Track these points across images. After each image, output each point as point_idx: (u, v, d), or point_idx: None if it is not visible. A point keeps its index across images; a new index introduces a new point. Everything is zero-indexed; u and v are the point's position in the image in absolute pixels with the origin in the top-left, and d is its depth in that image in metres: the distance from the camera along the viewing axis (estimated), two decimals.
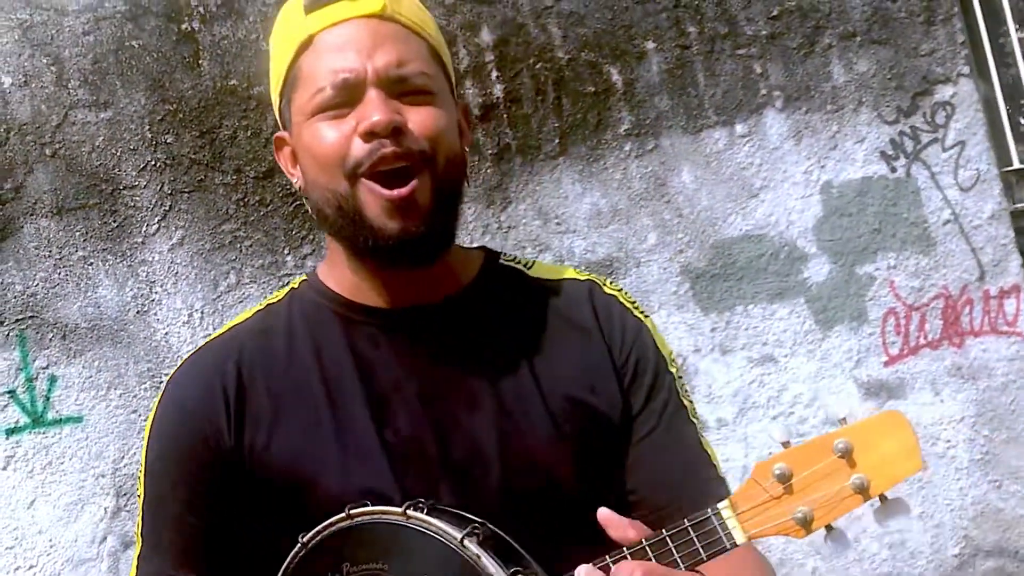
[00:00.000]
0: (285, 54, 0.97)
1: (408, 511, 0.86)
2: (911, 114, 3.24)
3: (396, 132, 0.89)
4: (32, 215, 2.48)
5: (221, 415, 0.97)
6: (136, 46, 2.58)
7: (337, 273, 1.02)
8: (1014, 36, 3.64)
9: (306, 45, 0.94)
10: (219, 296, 2.63)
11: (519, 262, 1.07)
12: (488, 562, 0.81)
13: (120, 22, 2.59)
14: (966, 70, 3.28)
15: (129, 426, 2.52)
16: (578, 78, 2.98)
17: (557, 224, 2.86)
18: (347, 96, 0.91)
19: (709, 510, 0.82)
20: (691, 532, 0.80)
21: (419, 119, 0.91)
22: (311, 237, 2.70)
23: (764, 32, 3.17)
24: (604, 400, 1.00)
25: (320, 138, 0.92)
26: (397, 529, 0.86)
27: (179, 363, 1.05)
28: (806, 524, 0.80)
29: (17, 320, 2.47)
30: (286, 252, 2.66)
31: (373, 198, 0.91)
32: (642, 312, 1.06)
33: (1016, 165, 3.59)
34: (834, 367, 2.87)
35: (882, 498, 0.80)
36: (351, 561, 0.87)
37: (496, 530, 0.87)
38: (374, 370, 0.98)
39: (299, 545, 0.90)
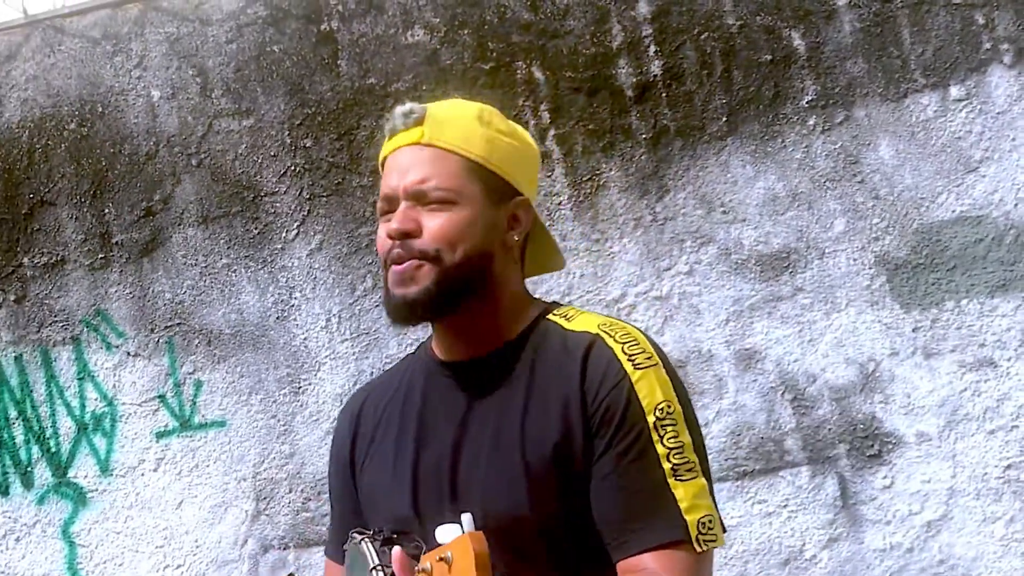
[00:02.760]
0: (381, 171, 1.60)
1: (354, 535, 1.42)
2: None
3: (404, 236, 1.49)
4: (180, 224, 3.14)
5: (347, 437, 1.66)
6: (277, 51, 3.12)
7: (433, 335, 1.61)
8: None
9: (383, 165, 1.58)
10: (356, 300, 3.08)
11: (565, 316, 1.57)
12: None
13: (261, 27, 3.13)
14: None
15: (268, 431, 3.06)
16: (751, 46, 3.13)
17: (723, 212, 3.08)
18: (390, 206, 1.52)
19: None
20: None
21: (431, 225, 1.49)
22: None
23: None
24: (572, 446, 1.46)
25: (378, 236, 1.55)
26: (355, 553, 1.42)
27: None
28: None
29: (167, 327, 3.14)
30: None
31: (388, 276, 1.51)
32: (639, 364, 1.49)
33: None
34: None
35: None
36: None
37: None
38: (428, 412, 1.57)
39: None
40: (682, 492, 1.45)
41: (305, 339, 3.09)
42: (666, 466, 1.46)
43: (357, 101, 3.15)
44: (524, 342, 1.58)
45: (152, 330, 3.14)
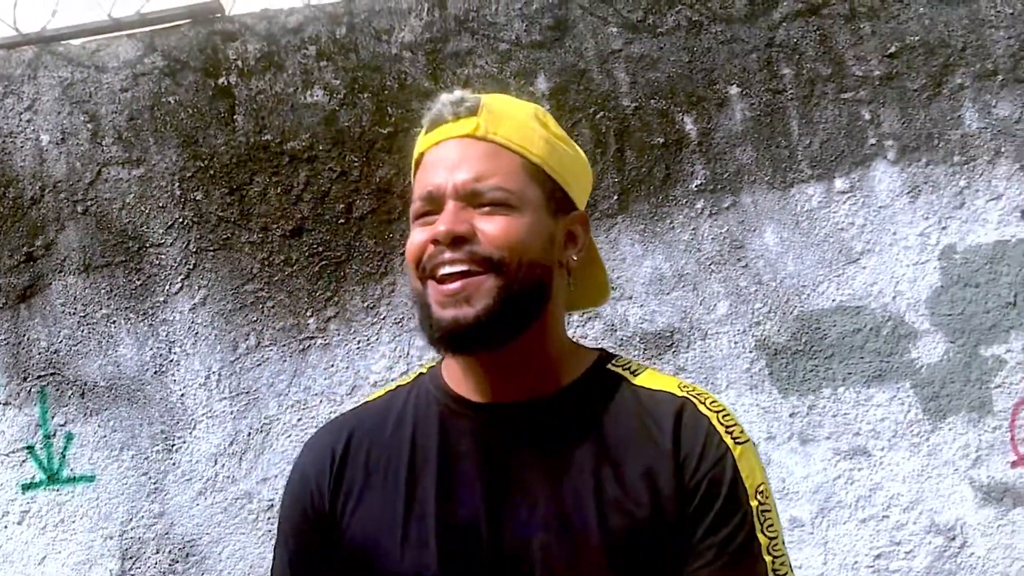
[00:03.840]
0: (413, 170, 1.40)
1: None
2: None
3: (457, 241, 1.27)
4: (61, 272, 3.05)
5: (325, 480, 1.38)
6: (172, 102, 3.08)
7: (450, 366, 1.39)
8: None
9: (419, 162, 1.37)
10: (238, 358, 3.02)
11: (628, 367, 1.40)
12: None
13: (158, 78, 3.09)
14: None
15: (139, 488, 2.96)
16: (645, 128, 3.18)
17: (612, 289, 3.36)
18: (433, 206, 1.31)
19: None
20: None
21: (490, 229, 1.28)
22: (336, 299, 3.17)
23: (877, 72, 3.48)
24: (664, 522, 1.28)
25: (411, 241, 1.32)
26: None
27: (316, 430, 1.50)
28: None
29: (40, 376, 3.04)
30: (308, 314, 3.05)
31: (435, 293, 1.29)
32: (736, 437, 1.33)
33: None
34: (944, 465, 2.97)
35: None
36: None
37: None
38: (453, 459, 1.33)
39: None
40: None
41: (182, 395, 2.99)
42: (767, 559, 1.32)
43: (251, 157, 3.09)
44: (583, 391, 1.38)
45: (25, 379, 3.02)
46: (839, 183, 3.23)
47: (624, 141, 3.20)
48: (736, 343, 3.11)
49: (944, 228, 3.20)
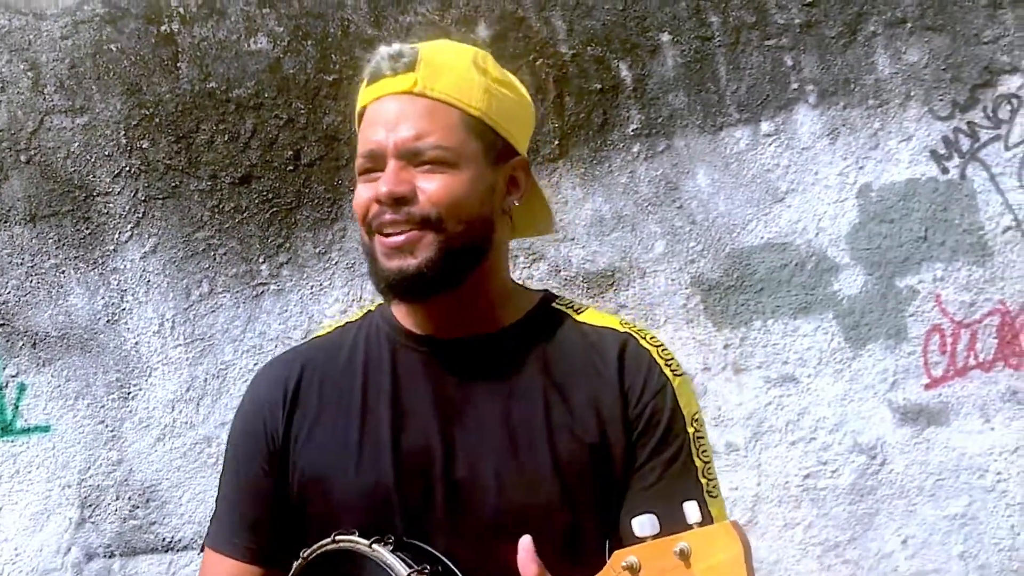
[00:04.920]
0: (357, 121, 1.43)
1: (374, 545, 1.26)
2: (968, 109, 3.65)
3: (399, 201, 1.31)
4: (6, 223, 3.02)
5: (279, 408, 1.42)
6: (114, 50, 3.06)
7: (401, 304, 1.43)
8: None
9: (362, 115, 1.40)
10: (191, 305, 3.04)
11: (571, 306, 1.46)
12: None
13: (99, 25, 3.06)
14: None
15: (96, 437, 2.98)
16: (583, 74, 3.26)
17: (554, 231, 3.46)
18: (375, 164, 1.34)
19: None
20: None
21: (430, 188, 1.31)
22: (287, 245, 3.22)
23: (798, 20, 3.61)
24: (610, 446, 1.35)
25: (357, 196, 1.37)
26: (363, 559, 1.27)
27: (266, 363, 1.55)
28: None
29: None
30: (261, 261, 3.10)
31: (380, 246, 1.34)
32: (674, 369, 1.40)
33: None
34: (865, 389, 3.18)
35: None
36: None
37: (450, 567, 1.26)
38: (405, 388, 1.39)
39: (300, 559, 1.34)
40: (716, 511, 1.38)
41: (136, 344, 2.97)
42: (703, 481, 1.38)
43: (197, 104, 3.06)
44: (529, 327, 1.43)
45: None
46: (765, 126, 3.35)
47: (563, 87, 3.27)
48: (673, 280, 3.22)
49: (861, 168, 3.36)
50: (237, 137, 3.10)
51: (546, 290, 1.51)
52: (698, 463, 1.38)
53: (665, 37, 3.37)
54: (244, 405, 1.51)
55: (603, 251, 3.23)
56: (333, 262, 3.11)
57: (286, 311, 3.09)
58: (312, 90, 3.16)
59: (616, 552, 1.15)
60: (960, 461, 3.17)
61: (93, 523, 2.96)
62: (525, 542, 1.21)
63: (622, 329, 1.43)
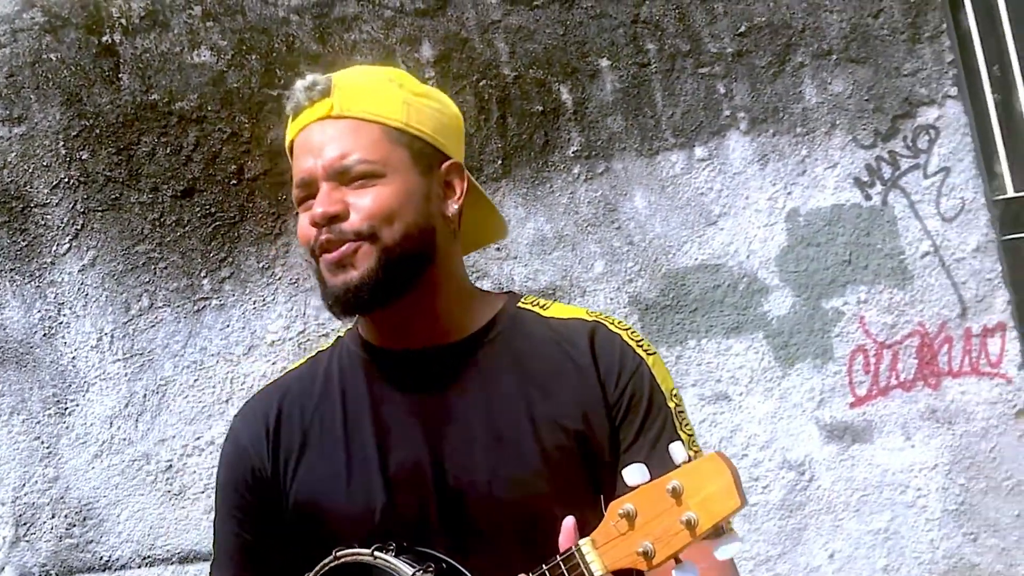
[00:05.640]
0: (289, 157, 1.45)
1: (375, 552, 1.29)
2: (890, 138, 3.80)
3: (332, 220, 1.33)
4: None
5: (264, 448, 1.43)
6: (53, 59, 3.00)
7: (366, 323, 1.45)
8: (1013, 53, 4.26)
9: (291, 149, 1.42)
10: (131, 320, 3.01)
11: (536, 304, 1.48)
12: None
13: (38, 34, 3.01)
14: (954, 91, 3.81)
15: (31, 453, 2.90)
16: (525, 96, 3.33)
17: (497, 250, 3.21)
18: (309, 191, 1.36)
19: (572, 546, 1.17)
20: (562, 566, 1.17)
21: (361, 204, 1.33)
22: (230, 260, 3.19)
23: (730, 50, 3.73)
24: (594, 432, 1.36)
25: (300, 227, 1.38)
26: (368, 568, 1.29)
27: (244, 403, 1.53)
28: (648, 557, 1.12)
29: None
30: (203, 275, 3.06)
31: (325, 266, 1.35)
32: (646, 349, 1.42)
33: (1011, 193, 4.18)
34: (794, 407, 3.28)
35: (719, 531, 1.11)
36: None
37: (454, 564, 1.29)
38: (384, 405, 1.39)
39: None
40: None
41: (74, 358, 2.90)
42: (690, 453, 1.32)
43: (138, 116, 3.01)
44: (498, 329, 1.45)
45: None
46: (699, 151, 3.43)
47: (506, 108, 3.29)
48: (611, 299, 3.27)
49: (789, 193, 3.46)
50: (180, 150, 3.05)
51: (511, 292, 1.54)
52: (682, 436, 1.40)
53: (604, 62, 3.42)
54: (227, 449, 1.51)
55: (544, 269, 3.27)
56: (276, 277, 3.08)
57: (228, 326, 3.04)
58: (256, 104, 3.13)
59: (611, 503, 1.17)
60: (883, 477, 3.28)
61: (28, 542, 2.87)
62: (568, 523, 1.23)
63: (589, 318, 1.45)
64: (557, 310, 1.48)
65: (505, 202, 3.28)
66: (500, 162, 3.29)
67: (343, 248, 1.34)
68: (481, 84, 3.31)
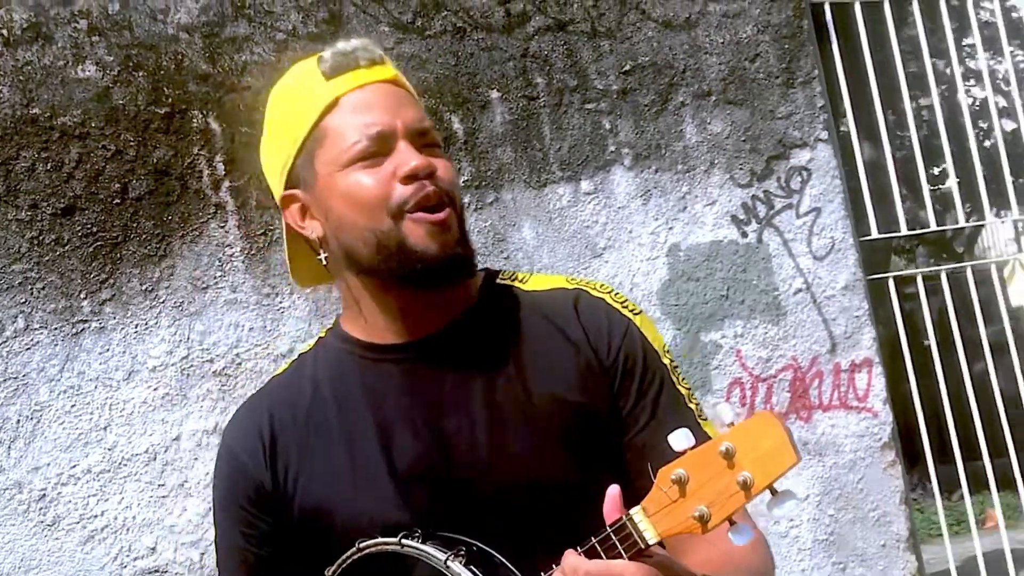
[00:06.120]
0: (306, 115, 1.33)
1: (402, 540, 1.25)
2: (765, 178, 3.94)
3: (431, 175, 1.28)
4: None
5: (261, 460, 1.36)
6: None
7: (351, 315, 1.38)
8: (877, 102, 4.49)
9: (332, 106, 1.31)
10: (5, 342, 2.83)
11: (515, 278, 1.43)
12: None
13: None
14: (824, 135, 3.99)
15: None
16: None
17: None
18: (381, 147, 1.28)
19: (623, 516, 1.13)
20: (612, 537, 1.13)
21: (441, 166, 1.30)
22: (111, 281, 3.08)
23: (615, 87, 3.81)
24: (593, 399, 1.32)
25: (359, 184, 1.29)
26: (396, 557, 1.25)
27: (236, 411, 1.47)
28: (704, 521, 1.10)
29: None
30: (82, 296, 2.97)
31: (418, 227, 1.27)
32: (632, 309, 1.38)
33: (875, 235, 4.41)
34: None
35: (772, 491, 1.11)
36: None
37: (483, 547, 1.25)
38: (383, 402, 1.33)
39: None
40: (711, 432, 1.32)
41: None
42: (692, 407, 1.35)
43: (18, 130, 2.91)
44: (484, 309, 1.39)
45: None
46: (585, 185, 3.49)
47: None
48: None
49: (671, 228, 3.55)
50: (61, 166, 2.95)
51: (486, 268, 1.47)
52: (682, 391, 1.37)
53: (494, 94, 3.46)
54: (223, 466, 1.45)
55: None
56: (160, 300, 3.00)
57: (108, 350, 2.94)
58: (142, 123, 3.05)
59: (660, 469, 1.14)
60: (758, 507, 3.37)
61: None
62: (613, 491, 1.18)
63: (571, 286, 1.41)
64: (536, 282, 1.43)
65: None
66: None
67: (447, 210, 1.29)
68: None
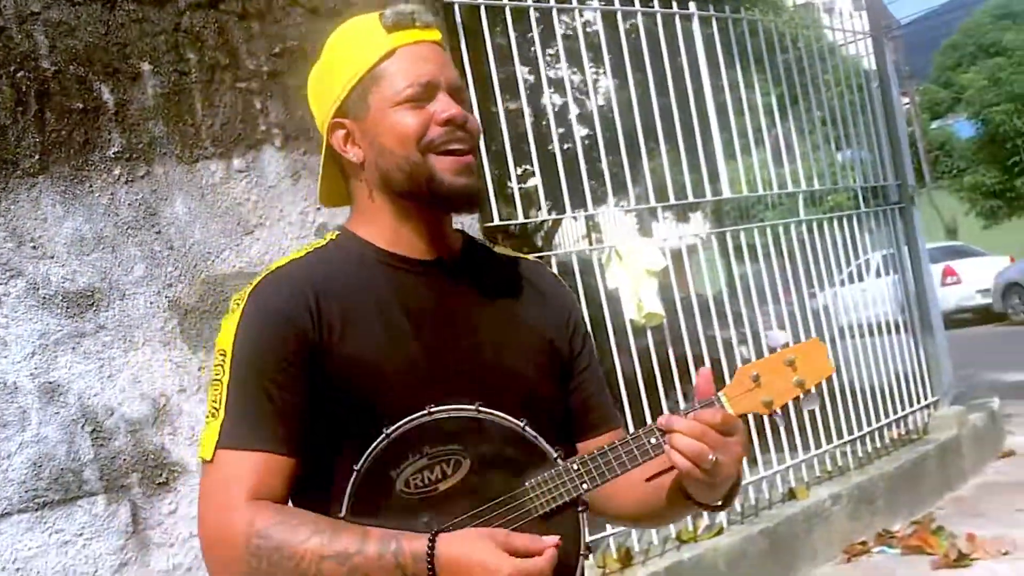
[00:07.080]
0: (365, 58, 1.58)
1: (479, 407, 1.48)
2: None
3: (464, 124, 1.57)
4: None
5: (307, 316, 1.48)
6: None
7: (374, 229, 1.61)
8: (500, 103, 4.89)
9: (389, 54, 1.56)
10: None
11: (485, 241, 1.77)
12: (542, 443, 1.50)
13: None
14: None
15: None
16: (65, 92, 3.22)
17: (33, 248, 3.06)
18: (426, 94, 1.55)
19: (714, 397, 1.54)
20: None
21: (471, 119, 1.59)
22: None
23: (266, 68, 3.85)
24: (560, 343, 1.70)
25: (403, 121, 1.54)
26: (469, 421, 1.46)
27: (256, 281, 1.56)
28: (768, 406, 1.54)
29: None
30: None
31: (445, 164, 1.55)
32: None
33: (496, 221, 4.80)
34: None
35: (807, 392, 1.57)
36: (430, 445, 1.44)
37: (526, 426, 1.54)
38: (410, 300, 1.57)
39: (383, 436, 1.43)
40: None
41: None
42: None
43: None
44: (474, 252, 1.69)
45: None
46: (237, 162, 3.56)
47: (45, 103, 3.19)
48: (152, 303, 3.28)
49: (319, 209, 3.69)
50: None
51: (459, 229, 1.72)
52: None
53: (146, 66, 3.43)
54: (260, 318, 1.51)
55: (83, 271, 3.19)
56: None
57: None
58: None
59: (740, 368, 1.57)
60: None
61: None
62: (705, 371, 1.57)
63: (532, 258, 1.81)
64: (504, 248, 1.77)
65: (42, 199, 3.15)
66: (38, 157, 3.16)
67: (471, 155, 1.57)
68: (19, 75, 3.16)
